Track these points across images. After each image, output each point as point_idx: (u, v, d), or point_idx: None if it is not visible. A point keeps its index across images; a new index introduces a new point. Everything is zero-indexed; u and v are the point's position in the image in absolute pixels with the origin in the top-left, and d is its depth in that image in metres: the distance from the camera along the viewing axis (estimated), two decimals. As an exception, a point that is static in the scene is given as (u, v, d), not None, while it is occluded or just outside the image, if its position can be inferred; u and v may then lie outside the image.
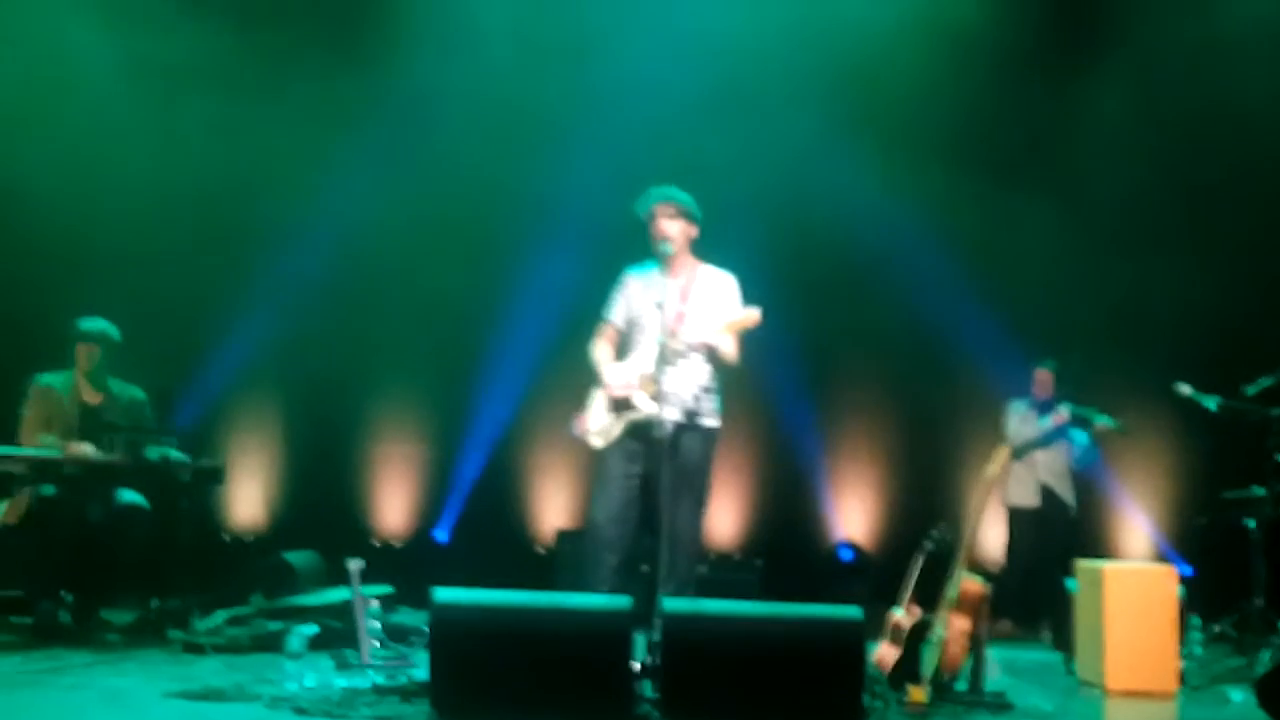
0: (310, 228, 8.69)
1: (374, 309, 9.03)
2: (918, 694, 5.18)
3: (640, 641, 4.96)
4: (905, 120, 8.90)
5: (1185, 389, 7.25)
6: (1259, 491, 7.06)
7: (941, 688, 5.34)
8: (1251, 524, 7.10)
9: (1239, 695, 5.88)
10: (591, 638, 4.57)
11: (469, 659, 4.56)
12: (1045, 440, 8.09)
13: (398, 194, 8.86)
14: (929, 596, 5.63)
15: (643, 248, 5.74)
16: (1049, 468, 8.16)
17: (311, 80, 8.78)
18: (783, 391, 9.07)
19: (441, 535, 9.22)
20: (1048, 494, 8.14)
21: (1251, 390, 7.02)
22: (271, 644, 5.98)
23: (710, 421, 5.67)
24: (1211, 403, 7.16)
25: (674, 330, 5.50)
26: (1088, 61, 9.21)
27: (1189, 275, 8.64)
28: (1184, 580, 6.39)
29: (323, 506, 9.10)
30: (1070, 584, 6.66)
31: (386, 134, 8.86)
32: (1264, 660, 6.13)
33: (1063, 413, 8.05)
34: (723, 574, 7.99)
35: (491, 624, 4.59)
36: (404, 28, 8.90)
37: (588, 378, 5.77)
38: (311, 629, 6.03)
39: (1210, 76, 8.77)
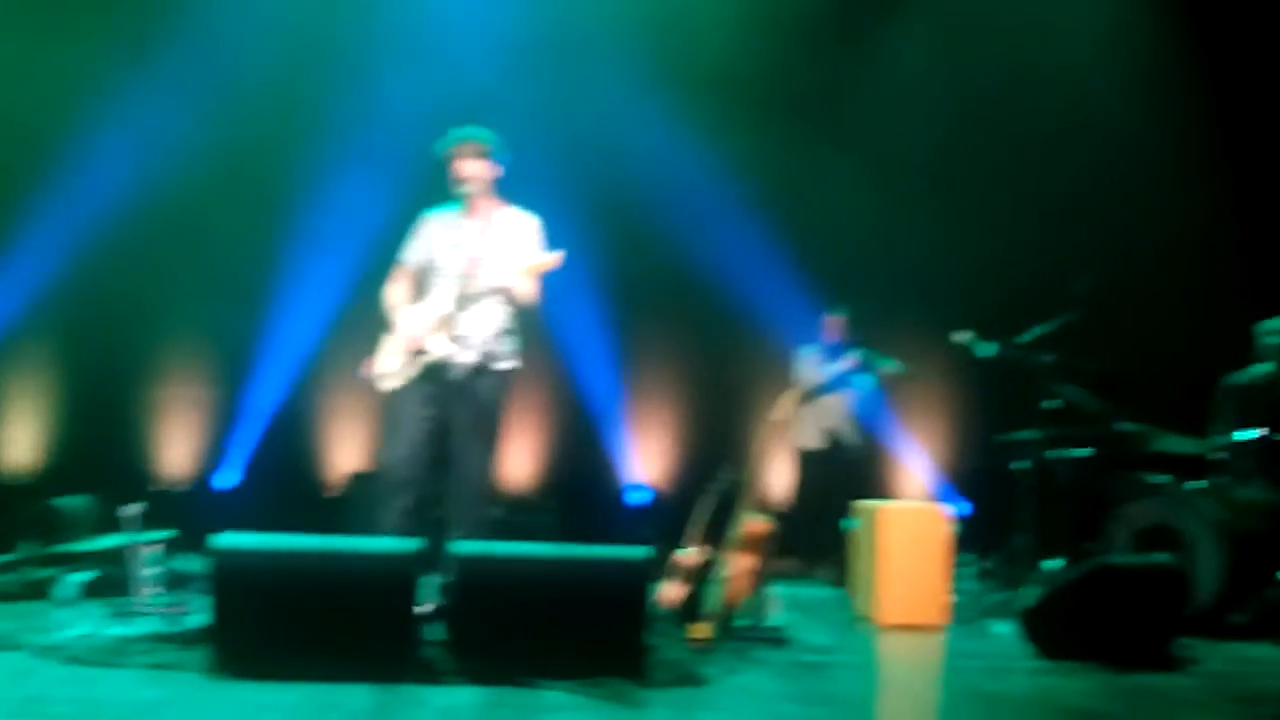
0: (93, 161, 8.33)
1: (160, 245, 8.65)
2: (702, 630, 5.31)
3: (431, 584, 4.95)
4: (713, 69, 8.93)
5: (963, 336, 7.52)
6: (1029, 435, 7.42)
7: (725, 624, 5.49)
8: (1022, 466, 7.47)
9: (1004, 628, 6.20)
10: (376, 580, 4.53)
11: (250, 604, 4.46)
12: (833, 384, 8.31)
13: (188, 126, 8.52)
14: (717, 536, 5.77)
15: (446, 188, 5.66)
16: (835, 411, 8.39)
17: (95, 7, 8.35)
18: (581, 335, 9.11)
19: (230, 479, 9.00)
20: (834, 437, 8.39)
21: (1024, 339, 7.35)
22: (43, 592, 5.76)
23: (506, 364, 5.65)
24: (987, 350, 7.46)
25: (471, 273, 5.45)
26: (890, 16, 9.44)
27: (975, 229, 8.96)
28: (959, 519, 6.69)
29: (103, 450, 8.76)
30: (850, 523, 6.91)
31: (177, 64, 8.47)
32: (1027, 595, 6.45)
33: (851, 358, 8.28)
34: (518, 517, 8.03)
35: (273, 568, 4.50)
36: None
37: (383, 320, 5.68)
38: (87, 575, 5.82)
39: (1008, 38, 9.09)
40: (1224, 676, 5.32)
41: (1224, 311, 7.84)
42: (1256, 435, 6.64)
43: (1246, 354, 7.13)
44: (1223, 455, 6.82)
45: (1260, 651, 5.94)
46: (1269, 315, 7.12)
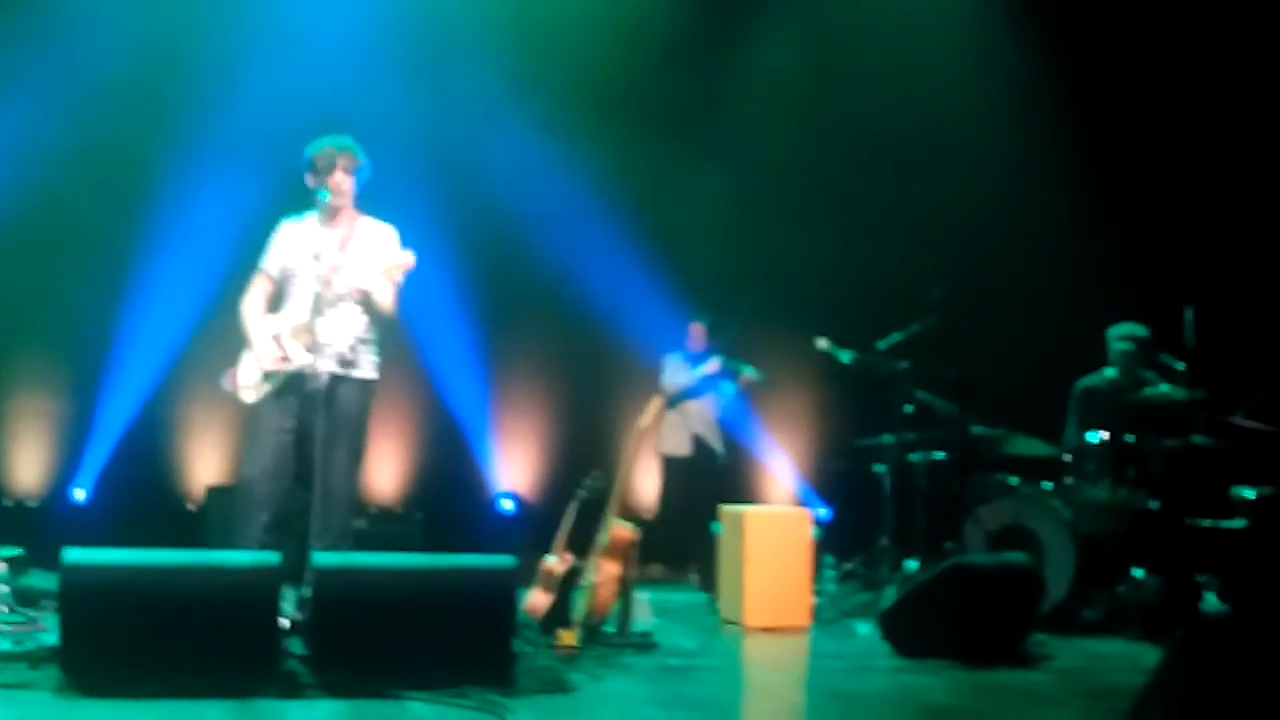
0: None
1: (11, 250, 8.34)
2: (568, 638, 5.33)
3: (291, 597, 4.88)
4: (578, 78, 8.96)
5: (823, 343, 7.67)
6: (888, 439, 7.59)
7: (592, 631, 5.51)
8: (882, 469, 7.64)
9: (865, 628, 6.33)
10: (235, 595, 4.44)
11: (103, 622, 4.34)
12: (697, 390, 8.37)
13: (44, 127, 8.20)
14: (583, 543, 5.78)
15: (305, 195, 5.57)
16: (700, 417, 8.44)
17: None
18: (446, 344, 9.05)
19: (81, 494, 8.72)
20: (699, 443, 8.43)
21: (882, 345, 7.51)
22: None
23: (367, 373, 5.57)
24: (846, 356, 7.61)
25: (328, 279, 5.37)
26: (755, 25, 9.58)
27: (835, 237, 9.12)
28: (821, 523, 6.82)
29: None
30: (715, 528, 6.99)
31: (30, 61, 8.19)
32: (888, 596, 6.61)
33: (714, 364, 8.35)
34: (383, 528, 7.93)
35: (127, 584, 4.39)
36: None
37: (242, 331, 5.57)
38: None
39: (870, 47, 9.30)
40: (1076, 672, 5.51)
41: (1077, 316, 8.11)
42: (1103, 438, 6.86)
43: (1099, 358, 7.38)
44: (1074, 457, 7.04)
45: (1110, 647, 6.16)
46: (1120, 319, 7.37)
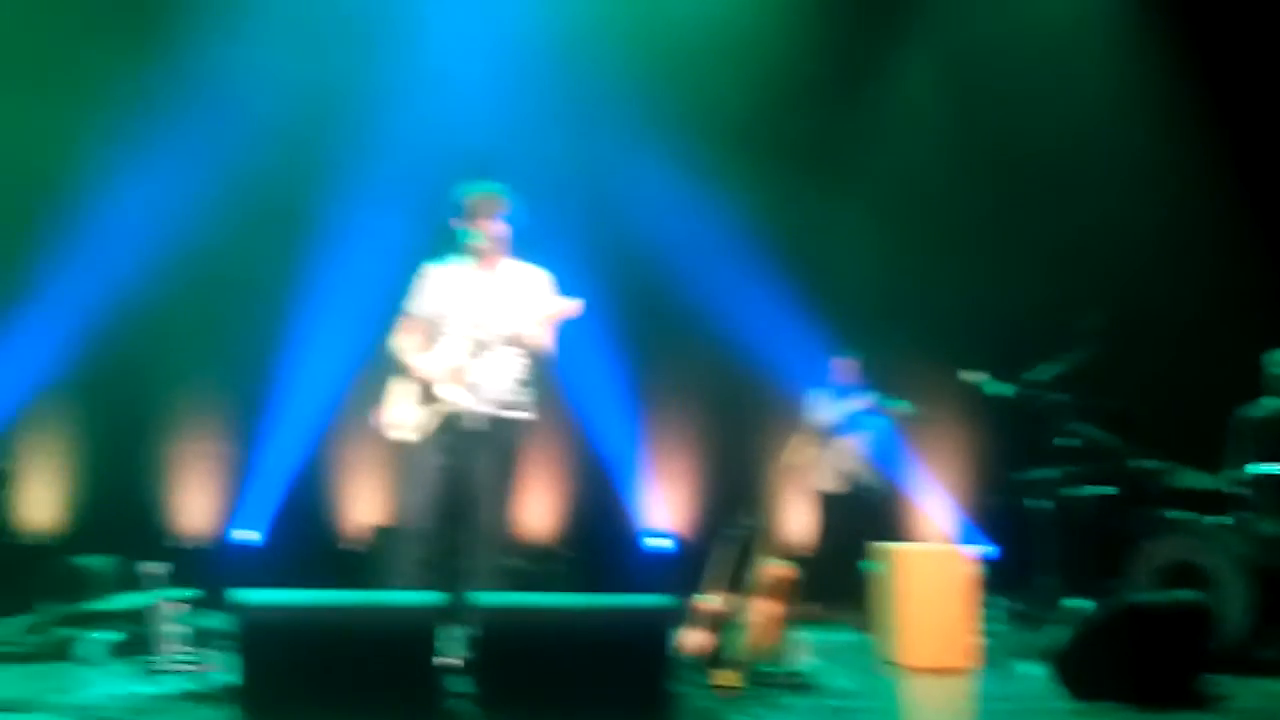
0: (109, 218, 8.36)
1: (177, 301, 8.67)
2: (726, 678, 5.29)
3: (451, 637, 4.94)
4: (721, 113, 9.03)
5: (975, 375, 7.54)
6: (1047, 474, 7.39)
7: (750, 670, 5.46)
8: (1041, 505, 7.44)
9: (1032, 669, 6.15)
10: (397, 634, 4.52)
11: (276, 661, 4.46)
12: (845, 426, 8.30)
13: (204, 181, 8.52)
14: (737, 582, 5.75)
15: (452, 238, 5.69)
16: (853, 453, 8.38)
17: (103, 63, 8.43)
18: (595, 384, 9.11)
19: (250, 536, 8.99)
20: (852, 479, 8.37)
21: (1038, 377, 7.34)
22: (65, 652, 5.75)
23: (522, 414, 5.66)
24: (1001, 389, 7.47)
25: (483, 322, 5.47)
26: (895, 54, 9.50)
27: (986, 266, 8.98)
28: (983, 560, 6.67)
29: (124, 508, 8.72)
30: (871, 566, 6.88)
31: (189, 118, 8.50)
32: (1055, 635, 6.41)
33: (863, 400, 8.27)
34: (534, 566, 8.00)
35: (297, 624, 4.50)
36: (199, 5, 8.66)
37: (396, 371, 5.70)
38: (110, 635, 5.82)
39: (1014, 73, 9.16)
40: (1254, 713, 5.30)
41: (1236, 344, 7.81)
42: (1277, 470, 6.61)
43: (1259, 386, 7.10)
44: (1242, 490, 6.78)
45: (1289, 687, 5.90)
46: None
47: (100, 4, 8.63)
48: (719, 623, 5.60)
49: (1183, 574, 6.57)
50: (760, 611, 5.58)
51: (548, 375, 5.90)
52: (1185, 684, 5.43)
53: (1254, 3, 8.95)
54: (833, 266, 9.23)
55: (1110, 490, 7.32)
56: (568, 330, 5.57)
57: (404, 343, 5.74)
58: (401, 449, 5.63)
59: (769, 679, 5.53)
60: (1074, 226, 9.04)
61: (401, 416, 5.59)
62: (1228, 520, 6.81)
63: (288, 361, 8.88)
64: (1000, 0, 9.45)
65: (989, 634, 6.79)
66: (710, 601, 5.67)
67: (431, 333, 5.71)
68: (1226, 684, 5.68)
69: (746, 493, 8.50)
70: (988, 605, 6.96)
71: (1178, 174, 8.93)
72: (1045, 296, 8.73)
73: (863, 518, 8.20)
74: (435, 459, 5.49)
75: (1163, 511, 7.10)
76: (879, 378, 8.41)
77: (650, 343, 9.33)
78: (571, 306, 5.37)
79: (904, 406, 8.34)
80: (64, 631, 5.97)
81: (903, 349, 8.85)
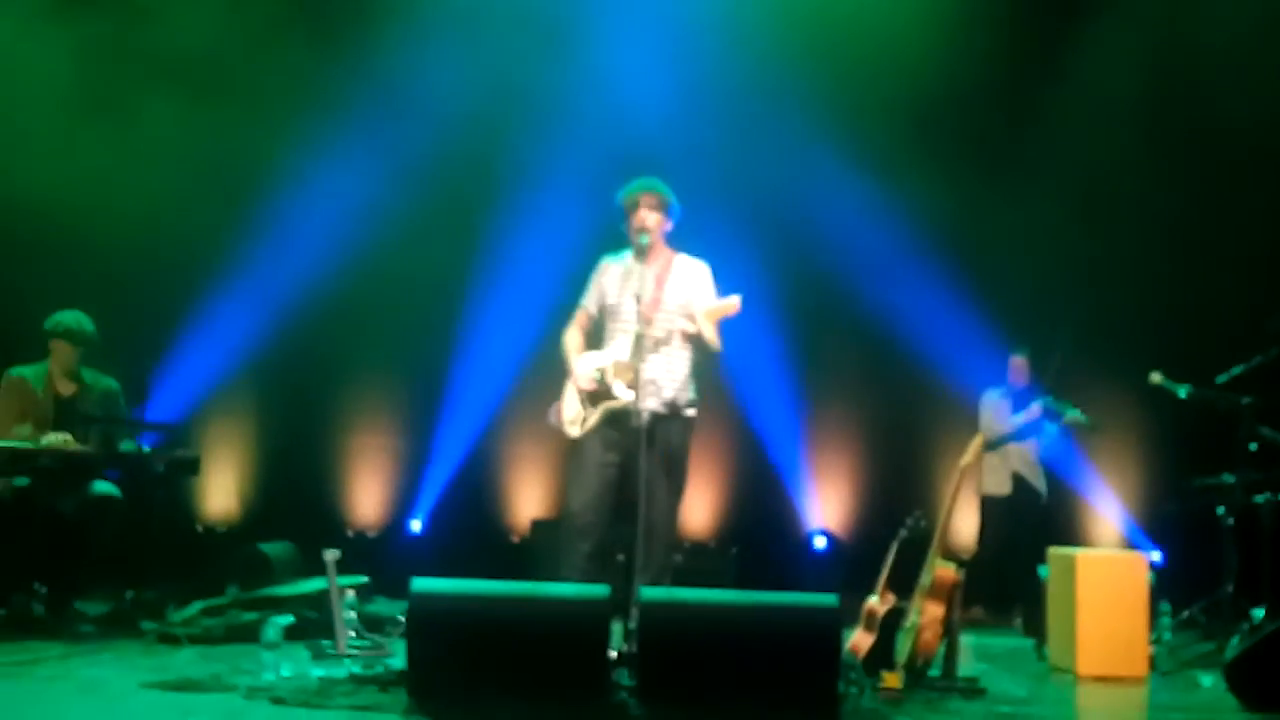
0: (295, 214, 8.69)
1: (350, 299, 8.97)
2: (892, 680, 5.22)
3: (617, 630, 4.99)
4: (891, 109, 8.91)
5: (1157, 377, 7.31)
6: (1229, 479, 7.13)
7: (916, 674, 5.39)
8: (1221, 511, 7.17)
9: (1209, 680, 5.95)
10: (568, 626, 4.59)
11: (446, 648, 4.58)
12: (1019, 435, 8.15)
13: (375, 181, 8.81)
14: (903, 584, 5.67)
15: (621, 235, 5.75)
16: (1021, 457, 8.20)
17: (290, 65, 8.73)
18: (759, 381, 9.09)
19: (417, 526, 9.21)
20: (1020, 482, 8.19)
21: (1223, 379, 7.09)
22: (247, 635, 5.95)
23: (688, 410, 5.68)
24: (1183, 391, 7.23)
25: (650, 318, 5.51)
26: (1083, 34, 9.22)
27: (1166, 265, 8.72)
28: (1155, 567, 6.46)
29: (298, 497, 9.08)
30: (1042, 571, 6.72)
31: (365, 120, 8.81)
32: (1232, 645, 6.18)
33: (1036, 408, 8.08)
34: (699, 562, 8.03)
35: (468, 613, 4.61)
36: (379, 9, 8.90)
37: (564, 366, 5.78)
38: (287, 619, 6.00)
39: (1210, 68, 8.80)
40: None
41: None
42: None
43: None
44: None
45: None
46: None
47: (286, 7, 8.92)
48: (885, 624, 5.54)
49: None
50: (927, 613, 5.50)
51: (715, 371, 5.91)
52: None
53: None
54: (1008, 262, 9.02)
55: (1292, 497, 7.02)
56: (735, 327, 5.57)
57: (571, 337, 5.81)
58: (569, 444, 5.70)
59: (936, 683, 5.44)
60: (1262, 221, 8.67)
61: (571, 411, 5.66)
62: None
63: (461, 356, 9.08)
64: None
65: (1164, 642, 6.58)
66: (878, 602, 5.61)
67: (600, 327, 5.78)
68: None
69: (915, 494, 8.42)
70: (1163, 613, 6.75)
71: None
72: (1231, 295, 8.41)
73: (1029, 522, 8.03)
74: (602, 455, 5.55)
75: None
76: (1054, 380, 8.20)
77: (818, 339, 9.27)
78: (732, 303, 5.38)
79: (1078, 415, 8.12)
80: (249, 615, 6.20)
81: (1078, 348, 8.60)
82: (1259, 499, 7.05)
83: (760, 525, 9.30)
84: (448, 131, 8.72)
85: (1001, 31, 9.07)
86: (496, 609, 4.62)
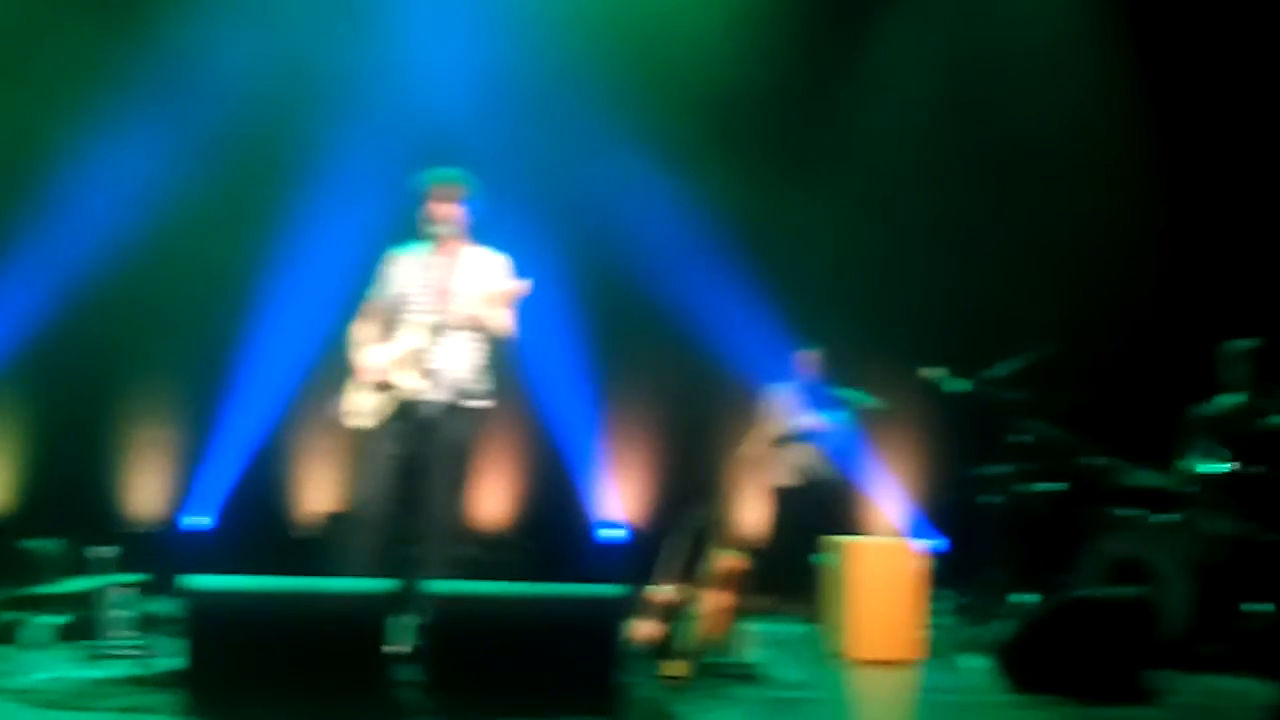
0: (71, 196, 8.33)
1: (133, 283, 8.59)
2: (676, 668, 5.31)
3: (404, 624, 4.94)
4: (687, 104, 9.02)
5: (934, 372, 7.58)
6: (1001, 470, 7.46)
7: (699, 662, 5.49)
8: (994, 501, 7.51)
9: (977, 662, 6.21)
10: (348, 621, 4.52)
11: (225, 646, 4.46)
12: (805, 437, 8.34)
13: (162, 162, 8.48)
14: (690, 573, 5.77)
15: (417, 225, 5.69)
16: (809, 448, 8.41)
17: (76, 41, 8.40)
18: (558, 374, 9.11)
19: (202, 521, 8.94)
20: (808, 473, 8.40)
21: (995, 374, 7.40)
22: (10, 636, 5.70)
23: (479, 402, 5.66)
24: (959, 385, 7.52)
25: (442, 308, 5.47)
26: (867, 53, 9.53)
27: (946, 263, 9.05)
28: (934, 555, 6.72)
29: (75, 492, 8.65)
30: (822, 559, 6.93)
31: (150, 99, 8.46)
32: (1001, 629, 6.47)
33: (824, 394, 8.30)
34: (490, 555, 8.01)
35: (247, 610, 4.50)
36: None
37: (353, 358, 5.69)
38: (57, 619, 5.78)
39: (984, 75, 9.22)
40: (1195, 708, 5.37)
41: (1190, 343, 7.89)
42: (1226, 468, 6.68)
43: (1212, 383, 7.17)
44: (1191, 488, 6.85)
45: (1230, 683, 5.97)
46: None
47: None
48: (670, 613, 5.62)
49: (1129, 570, 6.63)
50: (711, 603, 5.61)
51: (507, 362, 5.90)
52: (1127, 678, 5.50)
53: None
54: (797, 260, 9.26)
55: (1061, 487, 7.39)
56: (528, 317, 5.58)
57: (360, 330, 5.73)
58: (357, 436, 5.62)
59: (717, 670, 5.56)
60: (1037, 224, 9.11)
61: (358, 403, 5.59)
62: (1175, 517, 6.88)
63: (246, 347, 8.84)
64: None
65: (936, 627, 6.85)
66: (662, 592, 5.69)
67: (392, 319, 5.70)
68: (1167, 679, 5.76)
69: (703, 485, 8.55)
70: (936, 599, 7.03)
71: (1136, 175, 9.02)
72: (1006, 293, 8.80)
73: (816, 511, 8.23)
74: (390, 447, 5.50)
75: (1112, 508, 7.17)
76: (840, 372, 8.45)
77: (611, 333, 9.32)
78: (520, 287, 5.38)
79: (870, 401, 8.37)
80: (9, 615, 5.93)
81: (863, 344, 8.89)
82: (1027, 489, 7.40)
83: (556, 517, 9.32)
84: (239, 112, 8.48)
85: (801, 32, 9.29)
86: (275, 605, 4.52)
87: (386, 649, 4.58)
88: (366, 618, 4.54)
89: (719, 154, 9.02)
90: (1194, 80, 9.03)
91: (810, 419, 8.26)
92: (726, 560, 5.72)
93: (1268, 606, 6.39)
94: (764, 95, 9.16)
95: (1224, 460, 6.69)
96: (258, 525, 8.82)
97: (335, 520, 8.10)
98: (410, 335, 5.56)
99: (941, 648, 6.58)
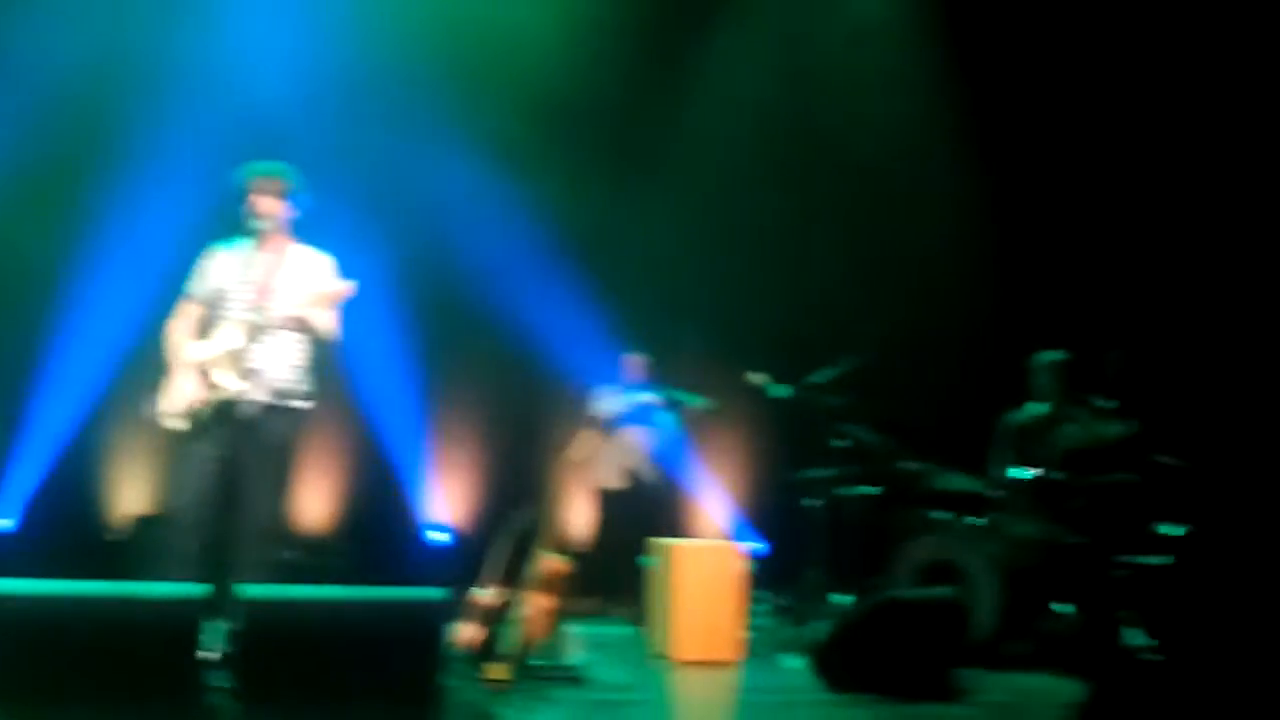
0: None
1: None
2: (498, 671, 5.30)
3: (215, 630, 4.81)
4: (521, 107, 9.02)
5: (758, 377, 7.71)
6: (820, 474, 7.62)
7: (522, 664, 5.49)
8: (815, 503, 7.67)
9: (795, 662, 6.35)
10: (156, 627, 4.37)
11: (22, 654, 4.26)
12: (627, 419, 8.37)
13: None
14: (514, 576, 5.76)
15: (239, 220, 5.54)
16: (634, 451, 8.48)
17: None
18: (384, 376, 9.00)
19: (4, 523, 8.56)
20: (633, 475, 8.47)
21: (816, 380, 7.56)
22: None
23: (299, 402, 5.54)
24: (781, 391, 7.66)
25: (262, 306, 5.34)
26: (703, 54, 9.64)
27: (774, 273, 9.23)
28: (755, 557, 6.84)
29: None
30: (645, 561, 6.99)
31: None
32: (818, 630, 6.63)
33: (650, 396, 8.37)
34: (312, 559, 7.88)
35: (46, 616, 4.31)
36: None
37: (168, 357, 5.52)
38: None
39: (823, 86, 9.41)
40: (1002, 706, 5.57)
41: (1005, 352, 8.19)
42: (1031, 475, 6.94)
43: (1025, 393, 7.45)
44: (1000, 492, 7.11)
45: (1036, 681, 6.22)
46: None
47: None
48: (493, 616, 5.61)
49: (940, 572, 6.84)
50: (534, 605, 5.61)
51: (330, 362, 5.80)
52: (937, 677, 5.68)
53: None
54: (628, 264, 9.33)
55: (876, 490, 7.58)
56: (354, 318, 5.49)
57: (180, 327, 5.56)
58: (173, 437, 5.45)
59: (540, 672, 5.56)
60: (862, 237, 9.34)
61: (174, 403, 5.42)
62: (982, 521, 7.13)
63: (56, 342, 8.50)
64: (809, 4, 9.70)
65: (756, 628, 6.98)
66: (485, 595, 5.67)
67: (210, 317, 5.54)
68: (976, 678, 5.97)
69: (528, 487, 8.54)
70: (756, 600, 7.16)
71: (956, 200, 9.31)
72: (829, 302, 9.01)
73: (641, 514, 8.30)
74: (207, 449, 5.35)
75: (924, 511, 7.39)
76: (666, 376, 8.53)
77: (439, 335, 9.25)
78: (344, 288, 5.29)
79: (698, 401, 8.46)
80: None
81: (693, 348, 9.00)
82: (845, 493, 7.58)
83: (381, 520, 9.20)
84: (53, 100, 8.17)
85: (639, 37, 9.37)
86: (78, 611, 4.35)
87: (198, 655, 4.45)
88: (178, 623, 4.40)
89: (553, 157, 9.03)
90: (1020, 106, 9.31)
91: (629, 413, 8.31)
92: (550, 563, 5.73)
93: (1071, 608, 6.67)
94: (600, 100, 9.20)
95: (1031, 467, 6.96)
96: (65, 527, 8.47)
97: (148, 523, 7.85)
98: (228, 333, 5.42)
99: (762, 648, 6.71)
